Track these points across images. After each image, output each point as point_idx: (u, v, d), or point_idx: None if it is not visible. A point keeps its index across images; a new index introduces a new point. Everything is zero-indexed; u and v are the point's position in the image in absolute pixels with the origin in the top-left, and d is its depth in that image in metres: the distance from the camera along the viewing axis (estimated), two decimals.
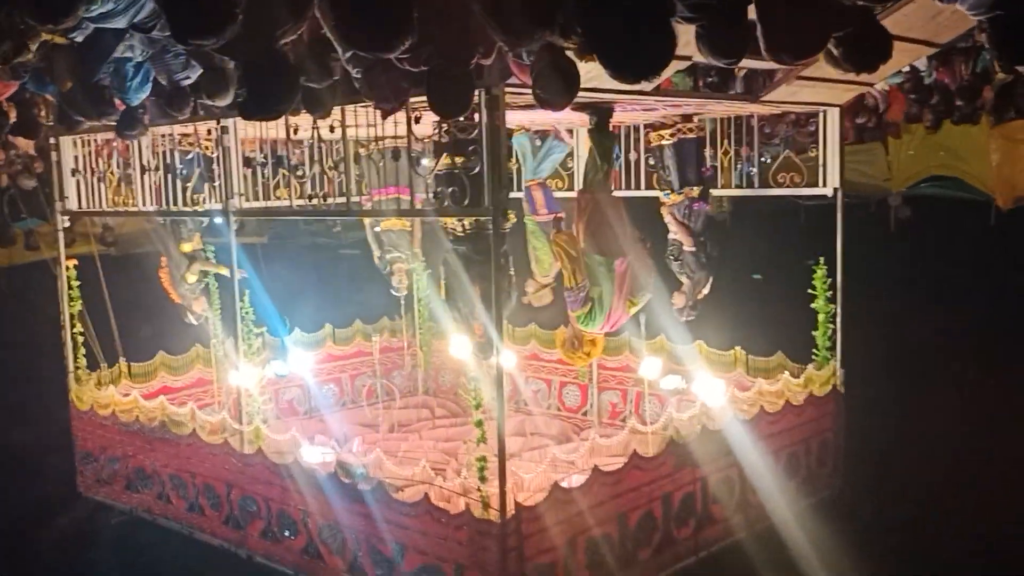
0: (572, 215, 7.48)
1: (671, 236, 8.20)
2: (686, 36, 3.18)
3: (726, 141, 8.33)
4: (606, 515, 6.31)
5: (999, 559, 6.86)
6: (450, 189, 5.86)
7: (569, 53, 3.82)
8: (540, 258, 8.24)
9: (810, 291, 8.06)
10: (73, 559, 7.50)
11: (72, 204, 8.62)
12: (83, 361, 8.66)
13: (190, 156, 7.97)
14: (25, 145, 10.81)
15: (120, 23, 4.16)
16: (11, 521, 8.11)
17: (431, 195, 6.27)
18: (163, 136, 7.75)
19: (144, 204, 8.09)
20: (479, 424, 5.97)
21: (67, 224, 8.74)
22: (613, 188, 7.79)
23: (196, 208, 7.86)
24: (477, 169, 5.65)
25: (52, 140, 8.51)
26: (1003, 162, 12.51)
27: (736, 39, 3.14)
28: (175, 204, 7.83)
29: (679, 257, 8.20)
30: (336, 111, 6.07)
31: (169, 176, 7.77)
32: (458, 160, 6.02)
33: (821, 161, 8.01)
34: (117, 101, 5.60)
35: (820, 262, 7.98)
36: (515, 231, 7.14)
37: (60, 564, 7.41)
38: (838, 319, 8.07)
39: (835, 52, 3.45)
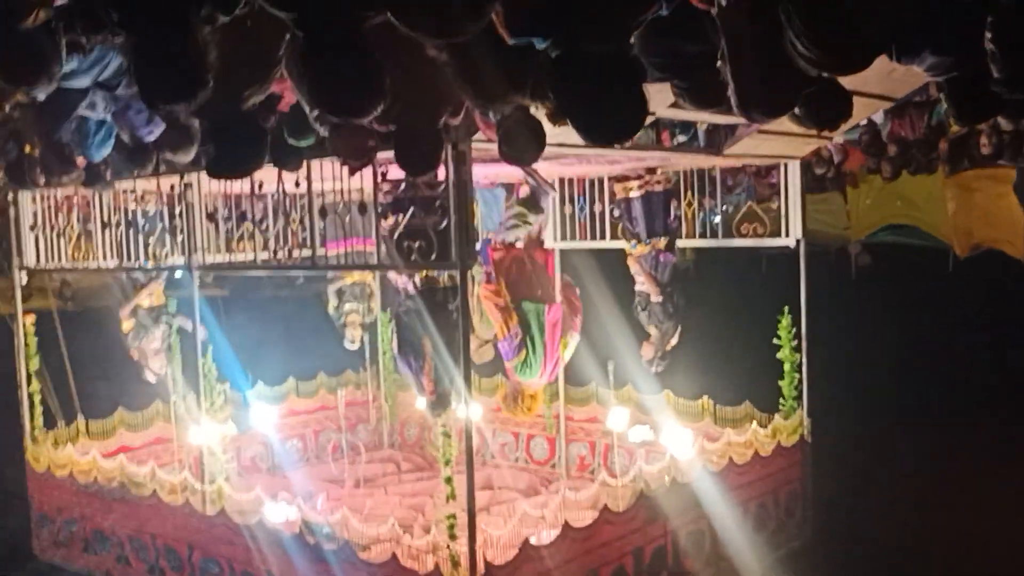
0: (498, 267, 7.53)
1: (638, 287, 8.23)
2: (652, 91, 3.22)
3: (690, 192, 8.41)
4: (577, 570, 6.24)
5: None
6: (416, 244, 5.83)
7: (539, 115, 3.84)
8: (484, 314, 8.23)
9: (775, 340, 8.10)
10: None
11: (30, 260, 8.47)
12: (40, 420, 8.46)
13: (152, 212, 7.88)
14: None
15: (84, 82, 4.12)
16: None
17: (393, 250, 6.24)
18: (125, 192, 7.67)
19: (104, 259, 7.98)
20: (448, 480, 5.89)
21: (24, 281, 8.58)
22: (542, 237, 7.87)
23: (158, 263, 7.76)
24: (444, 224, 5.64)
25: (10, 196, 8.38)
26: (958, 210, 12.73)
27: (715, 88, 3.19)
28: (136, 258, 7.73)
29: (646, 308, 8.23)
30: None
31: (131, 231, 7.68)
32: (424, 215, 6.00)
33: (783, 212, 8.11)
34: (79, 158, 5.54)
35: (785, 312, 8.04)
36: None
37: None
38: (803, 368, 8.12)
39: (797, 111, 3.50)
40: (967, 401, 11.46)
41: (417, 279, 6.45)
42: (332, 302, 9.23)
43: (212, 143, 3.87)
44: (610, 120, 2.89)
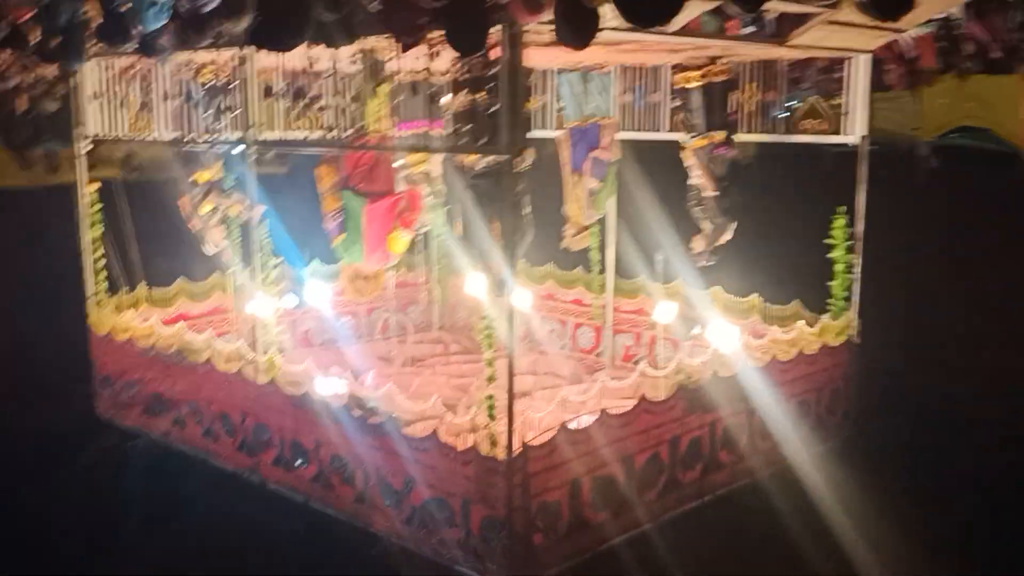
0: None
1: (692, 181, 8.13)
2: None
3: (752, 85, 8.19)
4: (613, 456, 6.36)
5: (1008, 504, 6.89)
6: (467, 127, 5.81)
7: None
8: (580, 198, 8.32)
9: (830, 241, 7.99)
10: (90, 482, 7.65)
11: (92, 129, 8.62)
12: (103, 286, 8.75)
13: (209, 85, 7.90)
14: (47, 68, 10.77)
15: None
16: (30, 444, 8.27)
17: (449, 132, 6.22)
18: (184, 65, 7.70)
19: (162, 132, 8.08)
20: (490, 363, 6.01)
21: (87, 149, 8.75)
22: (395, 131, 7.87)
23: (214, 137, 7.84)
24: (496, 107, 5.58)
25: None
26: None
27: None
28: (193, 133, 7.82)
29: (700, 202, 8.14)
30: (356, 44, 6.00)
31: (188, 105, 7.74)
32: (477, 97, 5.95)
33: (848, 109, 7.88)
34: (135, 28, 5.57)
35: (840, 212, 7.90)
36: (537, 172, 7.14)
37: (77, 486, 7.56)
38: (857, 269, 8.02)
39: None
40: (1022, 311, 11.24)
41: (486, 160, 6.42)
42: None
43: (259, 14, 3.85)
44: (649, 1, 2.81)
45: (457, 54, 5.41)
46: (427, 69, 5.84)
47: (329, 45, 5.11)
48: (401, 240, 7.94)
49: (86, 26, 5.58)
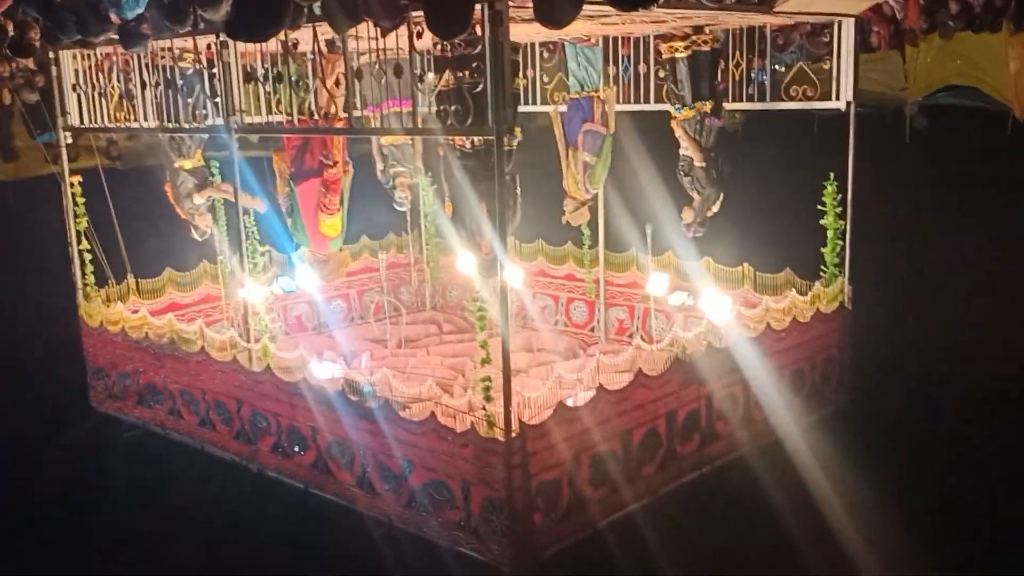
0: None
1: (682, 151, 8.08)
2: None
3: (738, 52, 8.13)
4: (611, 432, 6.37)
5: (1004, 473, 6.92)
6: (453, 108, 5.74)
7: None
8: (575, 173, 8.33)
9: (820, 207, 7.97)
10: (88, 471, 7.64)
11: (74, 119, 8.52)
12: (91, 278, 8.69)
13: (190, 71, 7.81)
14: (24, 59, 10.63)
15: None
16: (26, 435, 8.25)
17: (434, 111, 6.15)
18: (163, 51, 7.60)
19: (145, 120, 8.00)
20: (484, 345, 5.98)
21: (69, 140, 8.66)
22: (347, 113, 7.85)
23: (197, 124, 7.76)
24: (481, 86, 5.52)
25: (51, 55, 8.37)
26: (1021, 71, 12.20)
27: None
28: (176, 120, 7.74)
29: (689, 172, 8.10)
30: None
31: (170, 92, 7.66)
32: (462, 76, 5.88)
33: (835, 73, 7.83)
34: (113, 17, 5.48)
35: (830, 177, 7.87)
36: (526, 148, 7.10)
37: (76, 476, 7.55)
38: (847, 235, 8.00)
39: None
40: (1018, 271, 11.25)
41: (474, 139, 6.36)
42: (379, 165, 9.18)
43: (233, 3, 3.78)
44: None
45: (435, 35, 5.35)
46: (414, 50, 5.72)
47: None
48: (327, 224, 8.25)
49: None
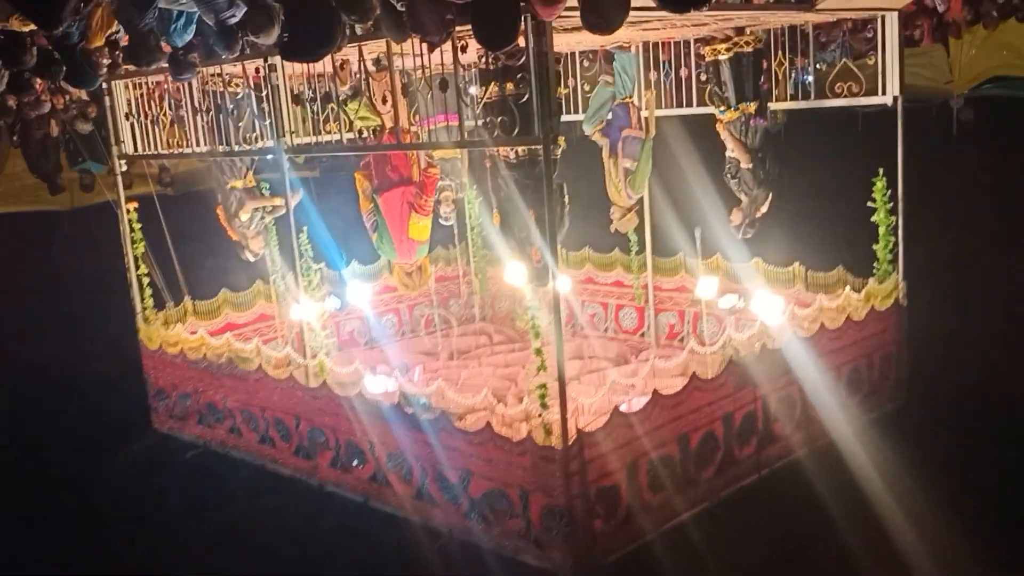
0: None
1: (728, 154, 8.06)
2: None
3: (781, 52, 8.10)
4: (667, 437, 6.36)
5: None
6: (499, 118, 5.80)
7: None
8: (616, 181, 8.39)
9: (870, 204, 7.90)
10: (153, 492, 7.78)
11: (128, 147, 8.73)
12: (149, 301, 8.88)
13: (240, 95, 7.98)
14: (78, 90, 10.92)
15: None
16: (92, 458, 8.42)
17: (480, 123, 6.22)
18: (212, 76, 7.78)
19: (197, 145, 8.17)
20: (538, 352, 6.02)
21: (124, 167, 8.87)
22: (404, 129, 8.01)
23: (248, 147, 7.91)
24: (526, 97, 5.57)
25: (104, 85, 8.59)
26: None
27: None
28: (227, 143, 7.90)
29: (736, 175, 8.08)
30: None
31: (220, 116, 7.82)
32: (507, 88, 5.94)
33: (880, 68, 7.76)
34: (164, 45, 5.62)
35: (880, 173, 7.80)
36: (570, 156, 7.13)
37: (141, 494, 7.71)
38: (899, 231, 7.92)
39: None
40: None
41: (520, 148, 6.41)
42: None
43: (287, 27, 3.87)
44: None
45: (482, 47, 5.41)
46: (459, 64, 5.80)
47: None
48: (418, 225, 8.06)
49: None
